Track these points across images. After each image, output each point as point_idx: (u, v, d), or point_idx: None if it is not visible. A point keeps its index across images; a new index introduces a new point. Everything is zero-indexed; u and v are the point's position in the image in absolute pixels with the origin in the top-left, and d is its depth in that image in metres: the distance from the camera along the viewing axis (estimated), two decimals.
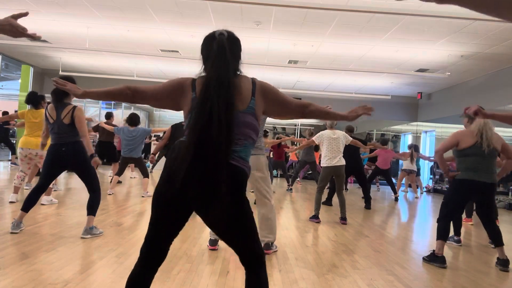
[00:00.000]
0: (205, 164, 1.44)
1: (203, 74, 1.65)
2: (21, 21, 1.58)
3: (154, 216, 1.58)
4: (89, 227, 3.79)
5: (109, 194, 6.62)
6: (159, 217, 1.57)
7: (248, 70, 1.70)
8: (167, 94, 1.68)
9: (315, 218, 5.55)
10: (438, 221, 3.83)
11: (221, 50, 1.58)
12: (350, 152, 7.32)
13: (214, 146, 1.44)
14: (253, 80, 1.69)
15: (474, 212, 5.63)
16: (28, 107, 5.33)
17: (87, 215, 3.79)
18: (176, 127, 6.06)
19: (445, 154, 3.86)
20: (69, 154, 3.74)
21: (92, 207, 3.80)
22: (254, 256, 1.62)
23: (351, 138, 5.89)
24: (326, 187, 6.13)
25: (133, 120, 6.86)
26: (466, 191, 3.77)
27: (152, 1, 7.02)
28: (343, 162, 5.64)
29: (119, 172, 6.92)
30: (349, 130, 7.56)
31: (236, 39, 1.69)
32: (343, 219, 5.55)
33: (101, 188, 3.96)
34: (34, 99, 5.26)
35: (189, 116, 1.59)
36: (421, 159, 11.13)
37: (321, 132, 5.78)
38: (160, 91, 1.69)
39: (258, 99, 1.65)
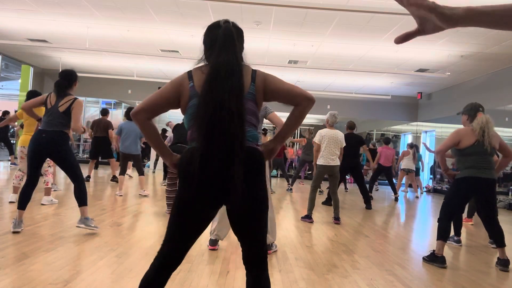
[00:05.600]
0: (223, 153, 1.41)
1: (203, 64, 1.61)
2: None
3: (179, 222, 1.52)
4: (84, 217, 3.84)
5: (119, 196, 6.63)
6: (186, 222, 1.52)
7: None
8: (168, 100, 1.60)
9: (307, 218, 5.51)
10: (439, 221, 3.82)
11: (229, 36, 1.54)
12: (350, 150, 7.31)
13: (228, 134, 1.41)
14: (253, 69, 1.64)
15: (475, 212, 5.62)
16: None
17: (79, 207, 3.84)
18: (177, 127, 5.97)
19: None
20: (47, 141, 3.71)
21: (81, 198, 3.82)
22: (262, 256, 1.59)
23: (344, 143, 5.76)
24: (326, 186, 6.10)
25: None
26: (468, 189, 3.76)
27: (152, 1, 7.01)
28: (338, 162, 5.59)
29: (122, 171, 6.93)
30: (350, 128, 7.42)
31: (241, 29, 1.66)
32: (336, 219, 5.54)
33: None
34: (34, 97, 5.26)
35: (191, 105, 1.54)
36: (420, 159, 11.14)
37: (319, 131, 5.70)
38: (161, 100, 1.60)
39: (259, 86, 1.59)
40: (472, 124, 3.77)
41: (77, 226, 3.86)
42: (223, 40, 1.53)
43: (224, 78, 1.46)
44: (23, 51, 11.88)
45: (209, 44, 1.61)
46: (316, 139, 5.65)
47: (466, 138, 3.73)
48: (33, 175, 3.80)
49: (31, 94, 5.30)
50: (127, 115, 6.94)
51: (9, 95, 18.93)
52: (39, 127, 3.80)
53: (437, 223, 3.83)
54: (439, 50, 8.68)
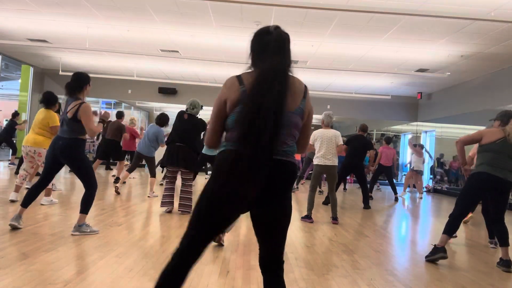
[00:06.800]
0: (258, 160, 1.40)
1: (251, 70, 1.59)
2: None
3: (207, 216, 1.54)
4: (78, 224, 3.84)
5: (117, 189, 6.67)
6: (213, 217, 1.54)
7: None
8: (224, 109, 1.59)
9: (307, 218, 5.51)
10: (450, 216, 3.83)
11: (281, 42, 1.56)
12: (354, 151, 7.33)
13: (262, 141, 1.40)
14: (305, 85, 1.67)
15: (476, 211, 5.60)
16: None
17: (79, 212, 3.82)
18: (178, 115, 5.77)
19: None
20: (61, 148, 3.71)
21: (85, 205, 3.80)
22: (281, 258, 1.62)
23: (341, 141, 5.74)
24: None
25: (161, 120, 6.90)
26: (482, 184, 3.76)
27: (152, 1, 7.01)
28: (335, 162, 5.60)
29: (130, 169, 6.95)
30: (363, 130, 7.65)
31: (289, 35, 1.67)
32: (334, 219, 5.53)
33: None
34: (47, 99, 5.17)
35: (238, 109, 1.52)
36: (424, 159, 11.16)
37: (314, 132, 5.72)
38: (222, 113, 1.60)
39: (307, 106, 1.63)
40: (506, 127, 3.78)
41: (72, 234, 3.80)
42: (275, 46, 1.54)
43: (273, 83, 1.45)
44: (23, 51, 11.87)
45: (259, 50, 1.60)
46: (310, 140, 5.70)
47: (488, 136, 3.77)
48: (45, 178, 3.84)
49: (48, 95, 5.21)
50: (158, 120, 6.93)
51: (9, 95, 18.96)
52: (58, 134, 3.85)
53: (448, 218, 3.83)
54: (439, 50, 8.67)
